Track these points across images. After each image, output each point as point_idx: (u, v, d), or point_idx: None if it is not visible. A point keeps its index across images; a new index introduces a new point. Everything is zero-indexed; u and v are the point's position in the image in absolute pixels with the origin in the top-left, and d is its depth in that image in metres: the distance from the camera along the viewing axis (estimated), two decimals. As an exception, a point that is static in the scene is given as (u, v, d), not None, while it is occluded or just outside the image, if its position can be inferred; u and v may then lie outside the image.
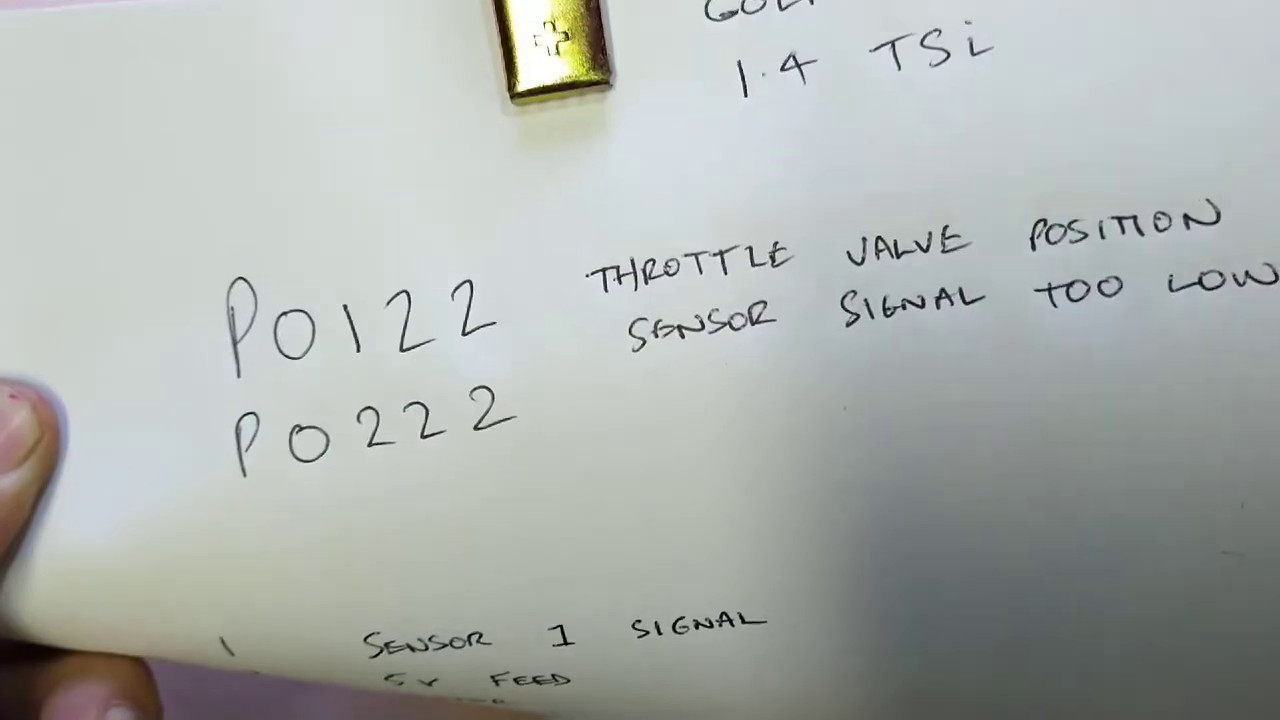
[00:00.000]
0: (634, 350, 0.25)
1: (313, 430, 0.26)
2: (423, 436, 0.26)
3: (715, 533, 0.26)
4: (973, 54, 0.25)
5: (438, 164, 0.26)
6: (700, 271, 0.25)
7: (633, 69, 0.25)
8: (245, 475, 0.26)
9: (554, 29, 0.25)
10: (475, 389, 0.26)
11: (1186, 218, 0.24)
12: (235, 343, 0.26)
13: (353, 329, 0.26)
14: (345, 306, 0.26)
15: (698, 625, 0.27)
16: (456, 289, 0.26)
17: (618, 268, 0.25)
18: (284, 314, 0.26)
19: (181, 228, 0.26)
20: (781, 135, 0.25)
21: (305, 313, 0.26)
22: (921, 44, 0.25)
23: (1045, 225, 0.25)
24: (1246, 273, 0.24)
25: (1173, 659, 0.27)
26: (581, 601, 0.27)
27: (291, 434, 0.26)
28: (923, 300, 0.25)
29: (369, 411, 0.26)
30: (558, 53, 0.25)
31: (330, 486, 0.26)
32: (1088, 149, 0.24)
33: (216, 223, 0.26)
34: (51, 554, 0.26)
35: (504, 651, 0.28)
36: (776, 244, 0.25)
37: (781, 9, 0.25)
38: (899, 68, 0.25)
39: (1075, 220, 0.25)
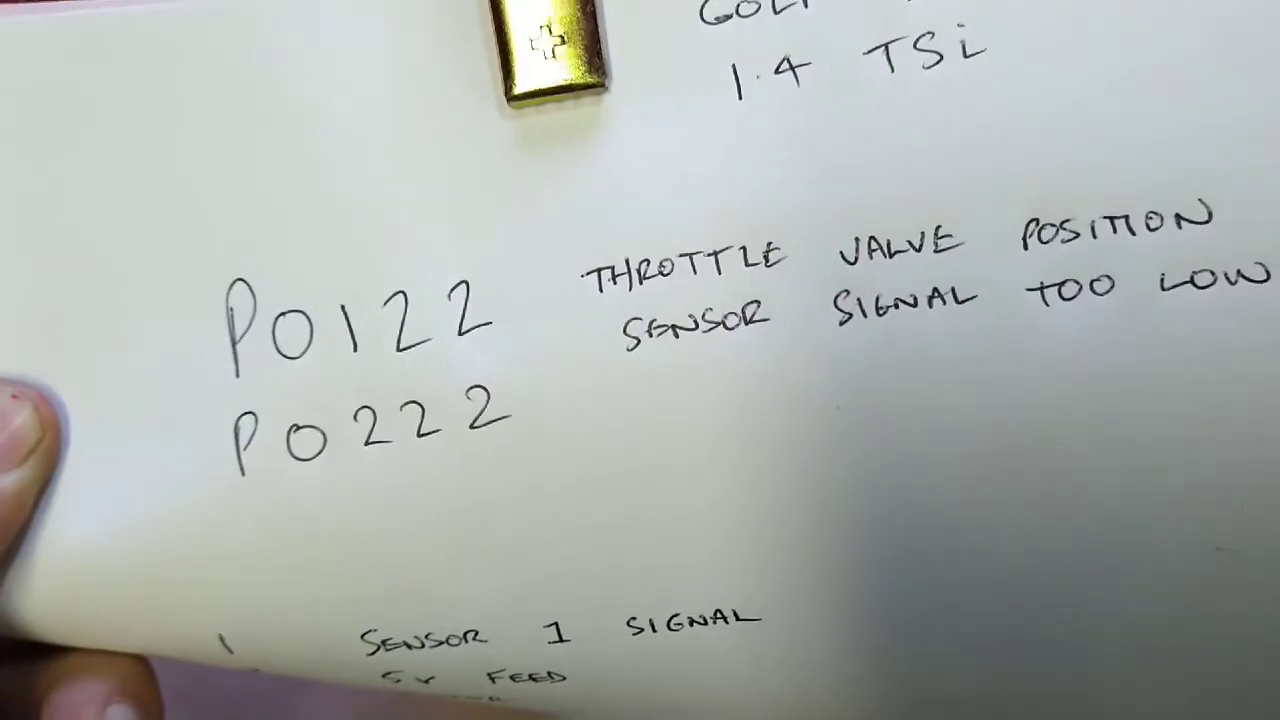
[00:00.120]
0: (629, 350, 0.26)
1: (310, 429, 0.26)
2: (419, 435, 0.26)
3: (710, 530, 0.26)
4: (965, 56, 0.25)
5: (435, 165, 0.26)
6: (695, 271, 0.25)
7: (628, 72, 0.26)
8: (244, 474, 0.26)
9: (550, 32, 0.25)
10: (471, 388, 0.26)
11: (1178, 217, 0.24)
12: (234, 343, 0.26)
13: (350, 329, 0.26)
14: (343, 307, 0.26)
15: (692, 622, 0.27)
16: (453, 289, 0.26)
17: (613, 268, 0.26)
18: (282, 314, 0.26)
19: (181, 229, 0.26)
20: (776, 137, 0.25)
21: (303, 313, 0.26)
22: (915, 46, 0.25)
23: (1037, 225, 0.25)
24: (1239, 271, 0.24)
25: (1170, 658, 0.27)
26: (577, 599, 0.27)
27: (289, 433, 0.26)
28: (915, 300, 0.25)
29: (366, 411, 0.26)
30: (554, 56, 0.25)
31: (327, 485, 0.26)
32: (1080, 149, 0.25)
33: (216, 224, 0.26)
34: (52, 552, 0.26)
35: (500, 649, 0.28)
36: (770, 244, 0.25)
37: (776, 12, 0.25)
38: (892, 70, 0.25)
39: (1067, 220, 0.25)
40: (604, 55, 0.25)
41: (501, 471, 0.26)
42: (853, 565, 0.27)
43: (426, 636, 0.27)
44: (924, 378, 0.25)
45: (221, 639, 0.27)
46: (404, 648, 0.28)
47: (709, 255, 0.25)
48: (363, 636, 0.27)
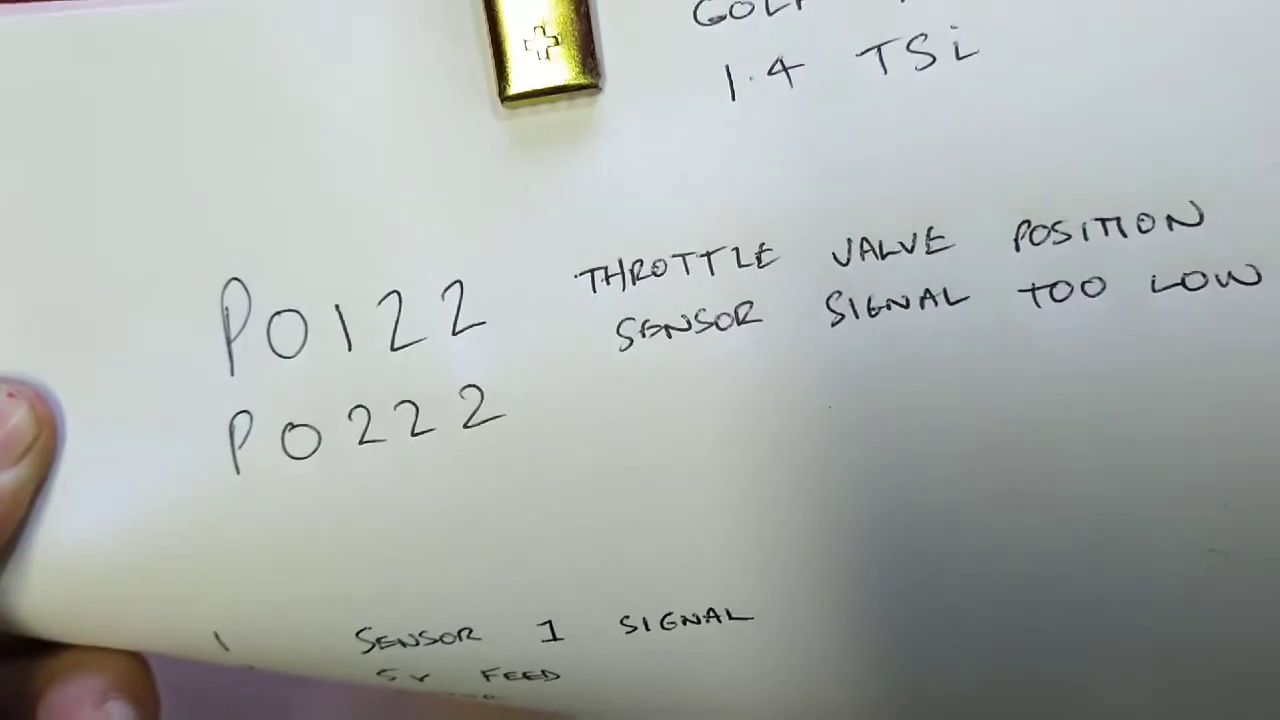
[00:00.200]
0: (621, 350, 0.26)
1: (305, 428, 0.26)
2: (413, 435, 0.26)
3: (702, 529, 0.26)
4: (958, 58, 0.25)
5: (429, 166, 0.26)
6: (687, 272, 0.26)
7: (622, 73, 0.26)
8: (239, 472, 0.26)
9: (544, 33, 0.25)
10: (465, 388, 0.26)
11: (1170, 219, 0.25)
12: (229, 342, 0.26)
13: (344, 328, 0.26)
14: (337, 306, 0.26)
15: (685, 621, 0.27)
16: (447, 289, 0.26)
17: (606, 268, 0.26)
18: (277, 314, 0.26)
19: (177, 228, 0.26)
20: (768, 138, 0.25)
21: (298, 312, 0.26)
22: (907, 48, 0.25)
23: (1029, 226, 0.25)
24: (1230, 273, 0.24)
25: (1166, 658, 0.27)
26: (570, 598, 0.27)
27: (284, 432, 0.26)
28: (907, 301, 0.25)
29: (360, 410, 0.26)
30: (548, 57, 0.25)
31: (322, 484, 0.26)
32: (1072, 151, 0.25)
33: (211, 223, 0.26)
34: (48, 549, 0.26)
35: (494, 647, 0.28)
36: (763, 245, 0.25)
37: (769, 14, 0.25)
38: (885, 72, 0.25)
39: (1059, 221, 0.25)
40: (598, 56, 0.25)
41: (495, 471, 0.26)
42: (844, 565, 0.27)
43: (420, 634, 0.28)
44: (916, 378, 0.25)
45: (217, 636, 0.27)
46: (398, 645, 0.28)
47: (702, 256, 0.26)
48: (357, 634, 0.28)
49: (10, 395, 0.26)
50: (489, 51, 0.25)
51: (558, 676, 0.28)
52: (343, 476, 0.26)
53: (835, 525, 0.26)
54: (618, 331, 0.26)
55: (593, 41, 0.25)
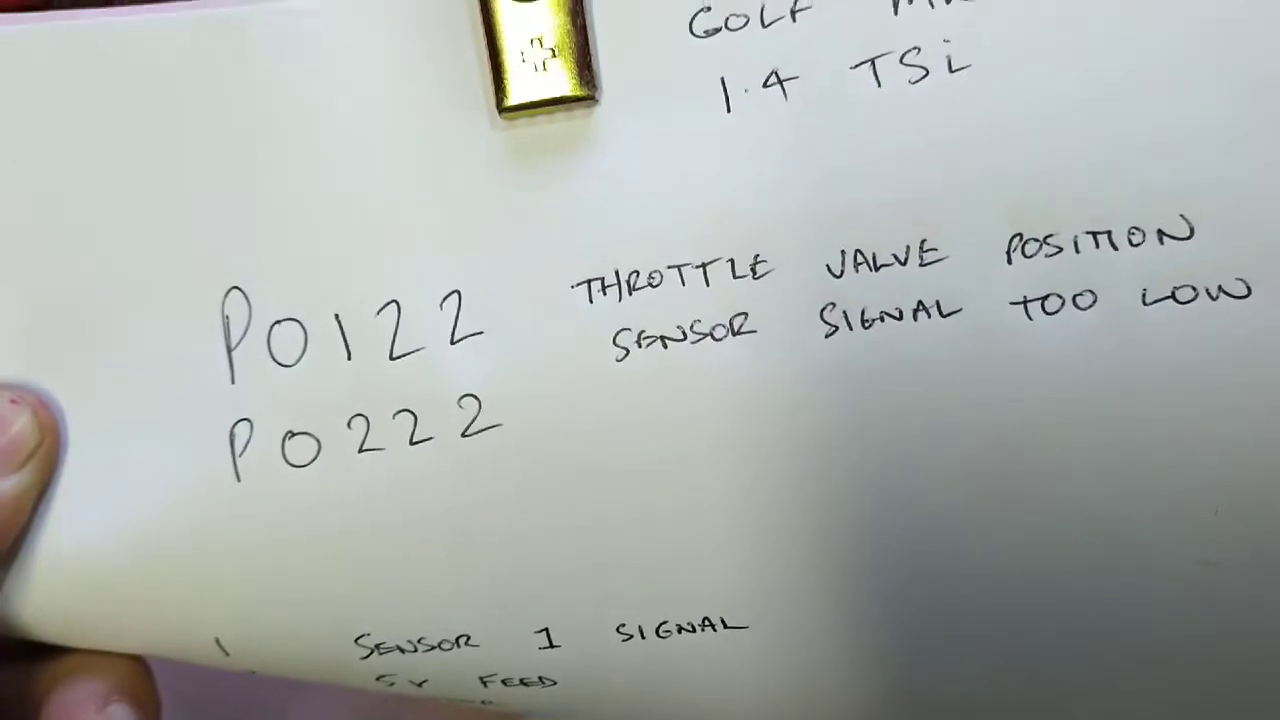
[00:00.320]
0: (618, 360, 0.26)
1: (304, 436, 0.26)
2: (411, 443, 0.26)
3: (697, 540, 0.27)
4: (951, 71, 0.25)
5: (428, 177, 0.26)
6: (683, 283, 0.26)
7: (618, 85, 0.26)
8: (239, 480, 0.26)
9: (542, 45, 0.26)
10: (463, 397, 0.26)
11: (1160, 233, 0.25)
12: (230, 350, 0.27)
13: (344, 337, 0.26)
14: (337, 315, 0.26)
15: (680, 630, 0.28)
16: (445, 299, 0.26)
17: (602, 279, 0.26)
18: (277, 322, 0.26)
19: (178, 237, 0.26)
20: (763, 150, 0.25)
21: (298, 321, 0.26)
22: (901, 62, 0.25)
23: (1021, 240, 0.25)
24: (1220, 287, 0.25)
25: (1164, 658, 0.28)
26: (567, 606, 0.27)
27: (284, 440, 0.26)
28: (900, 313, 0.25)
29: (359, 418, 0.26)
30: (545, 69, 0.26)
31: (321, 491, 0.26)
32: (1065, 165, 0.25)
33: (212, 232, 0.26)
34: (51, 555, 0.27)
35: (491, 654, 0.28)
36: (758, 256, 0.26)
37: (764, 26, 0.25)
38: (879, 85, 0.25)
39: (1051, 235, 0.25)
40: (594, 68, 0.26)
41: (492, 480, 0.26)
42: (838, 573, 0.27)
43: (419, 641, 0.28)
44: (908, 390, 0.25)
45: (217, 641, 0.28)
46: (397, 652, 0.28)
47: (697, 267, 0.26)
48: (356, 640, 0.28)
49: (13, 402, 0.26)
50: (486, 63, 0.26)
51: (555, 683, 0.29)
52: (342, 484, 0.26)
53: (829, 534, 0.27)
54: (614, 342, 0.26)
55: (589, 53, 0.26)
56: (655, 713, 0.30)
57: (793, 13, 0.25)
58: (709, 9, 0.25)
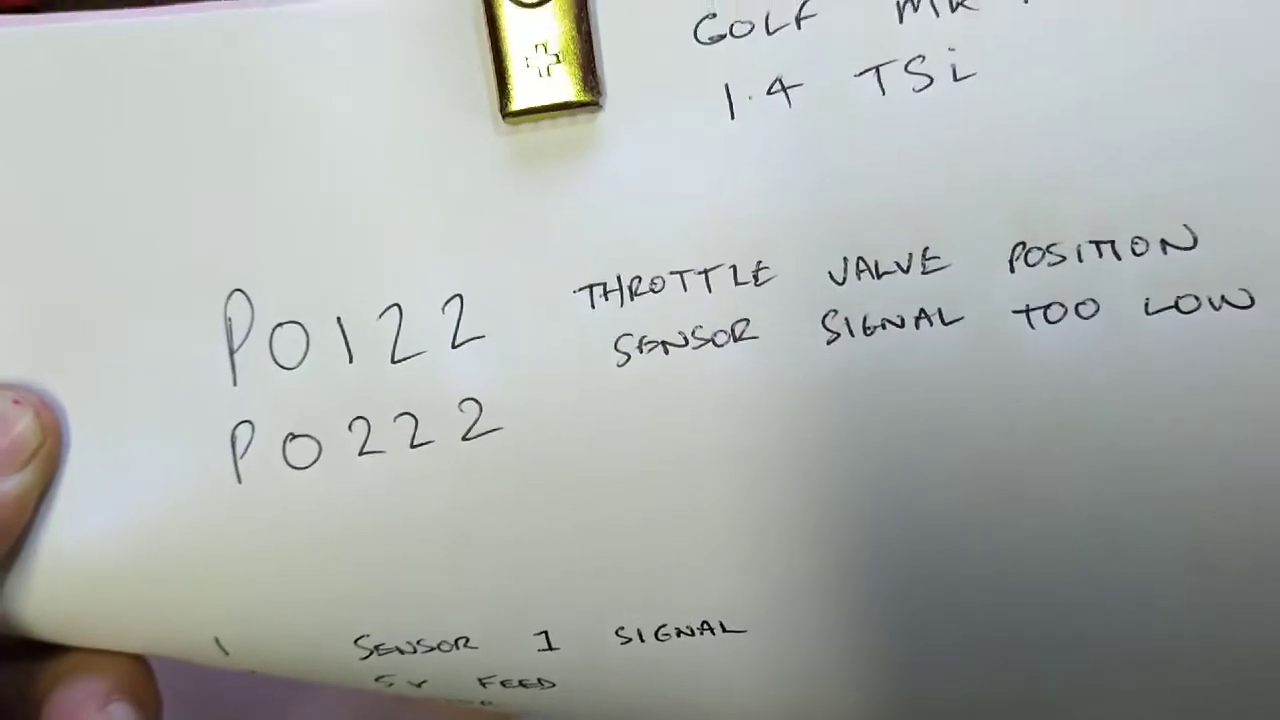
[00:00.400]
0: (619, 365, 0.26)
1: (306, 438, 0.26)
2: (412, 446, 0.26)
3: (697, 544, 0.27)
4: (955, 80, 0.25)
5: (431, 181, 0.26)
6: (685, 289, 0.26)
7: (622, 90, 0.26)
8: (240, 481, 0.27)
9: (546, 51, 0.26)
10: (464, 401, 0.26)
11: (1164, 242, 0.25)
12: (232, 352, 0.27)
13: (346, 341, 0.26)
14: (339, 319, 0.26)
15: (679, 633, 0.28)
16: (447, 303, 0.26)
17: (604, 284, 0.26)
18: (279, 325, 0.27)
19: (180, 240, 0.27)
20: (767, 157, 0.26)
21: (300, 324, 0.26)
22: (905, 69, 0.25)
23: (1024, 248, 0.25)
24: (1222, 297, 0.25)
25: (1164, 660, 0.28)
26: (566, 608, 0.27)
27: (285, 442, 0.26)
28: (902, 320, 0.25)
29: (360, 421, 0.26)
30: (549, 74, 0.26)
31: (322, 493, 0.26)
32: (1068, 174, 0.25)
33: (214, 235, 0.26)
34: (53, 554, 0.27)
35: (490, 655, 0.28)
36: (760, 263, 0.26)
37: (769, 33, 0.25)
38: (883, 92, 0.25)
39: (1054, 244, 0.25)
40: (599, 74, 0.26)
41: (492, 483, 0.26)
42: (838, 578, 0.27)
43: (418, 642, 0.28)
44: (909, 397, 0.25)
45: (217, 641, 0.28)
46: (396, 653, 0.28)
47: (699, 273, 0.26)
48: (355, 641, 0.28)
49: (15, 402, 0.26)
50: (491, 68, 0.26)
51: (553, 685, 0.29)
52: (343, 486, 0.26)
53: (828, 540, 0.27)
54: (615, 347, 0.26)
55: (594, 59, 0.26)
56: (654, 716, 0.30)
57: (798, 20, 0.25)
58: (714, 15, 0.25)
